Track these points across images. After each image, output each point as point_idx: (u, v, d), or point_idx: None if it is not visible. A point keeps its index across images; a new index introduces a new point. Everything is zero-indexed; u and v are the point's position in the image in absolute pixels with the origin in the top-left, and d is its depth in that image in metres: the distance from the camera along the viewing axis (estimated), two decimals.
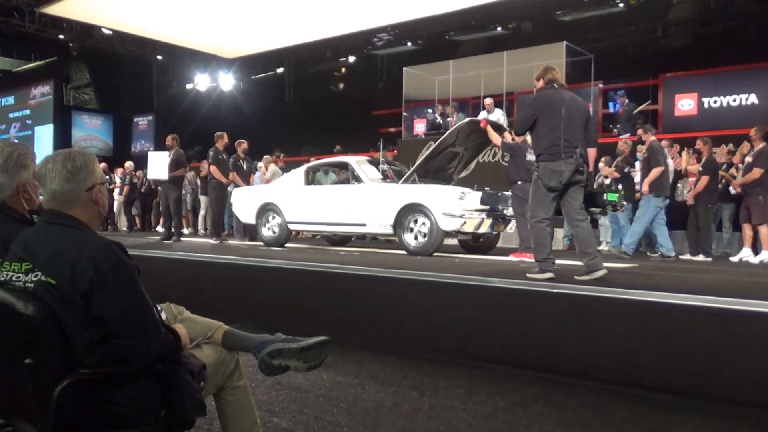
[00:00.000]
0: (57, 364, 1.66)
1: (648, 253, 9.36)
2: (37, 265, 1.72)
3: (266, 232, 9.21)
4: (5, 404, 1.86)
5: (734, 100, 12.70)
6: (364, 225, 8.18)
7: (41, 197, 2.03)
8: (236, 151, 10.48)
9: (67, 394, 1.64)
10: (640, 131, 8.88)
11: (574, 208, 4.95)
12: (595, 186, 8.81)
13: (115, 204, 15.29)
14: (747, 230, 8.29)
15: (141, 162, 14.57)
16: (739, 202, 8.78)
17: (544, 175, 4.88)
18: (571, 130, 4.85)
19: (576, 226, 5.02)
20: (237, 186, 10.20)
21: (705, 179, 8.41)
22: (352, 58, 18.60)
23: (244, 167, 10.60)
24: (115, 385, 1.75)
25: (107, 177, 14.79)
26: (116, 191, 14.97)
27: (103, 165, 13.48)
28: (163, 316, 2.15)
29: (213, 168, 9.81)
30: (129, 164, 14.96)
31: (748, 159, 8.23)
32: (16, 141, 10.86)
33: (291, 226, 9.01)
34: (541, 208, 4.97)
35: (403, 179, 8.20)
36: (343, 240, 10.13)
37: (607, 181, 9.47)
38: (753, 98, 12.48)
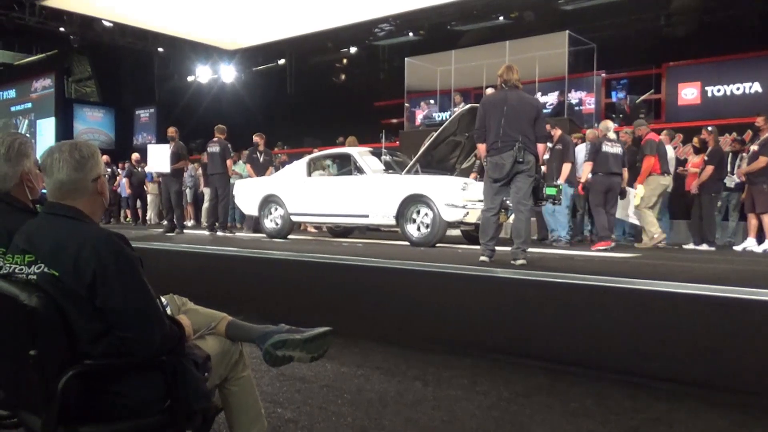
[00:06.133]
0: (61, 356, 1.65)
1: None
2: (40, 257, 1.72)
3: (269, 223, 9.22)
4: (10, 396, 1.87)
5: (738, 89, 12.64)
6: (367, 216, 8.17)
7: (43, 190, 2.02)
8: (252, 143, 10.62)
9: (72, 385, 1.63)
10: (547, 126, 9.28)
11: (518, 196, 5.38)
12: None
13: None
14: (752, 219, 8.25)
15: (142, 154, 14.50)
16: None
17: (489, 169, 5.46)
18: (513, 125, 5.31)
19: (518, 211, 5.45)
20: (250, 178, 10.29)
21: (710, 169, 8.38)
22: (353, 49, 18.53)
23: (260, 159, 10.64)
24: (120, 377, 1.75)
25: (108, 170, 14.76)
26: (125, 183, 14.90)
27: (105, 158, 13.49)
28: (168, 308, 2.14)
29: (229, 162, 9.96)
30: (135, 156, 14.84)
31: (754, 147, 8.16)
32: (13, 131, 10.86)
33: (293, 218, 9.01)
34: (488, 199, 5.54)
35: (405, 170, 8.18)
36: (346, 231, 10.13)
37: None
38: (756, 87, 12.41)
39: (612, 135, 8.06)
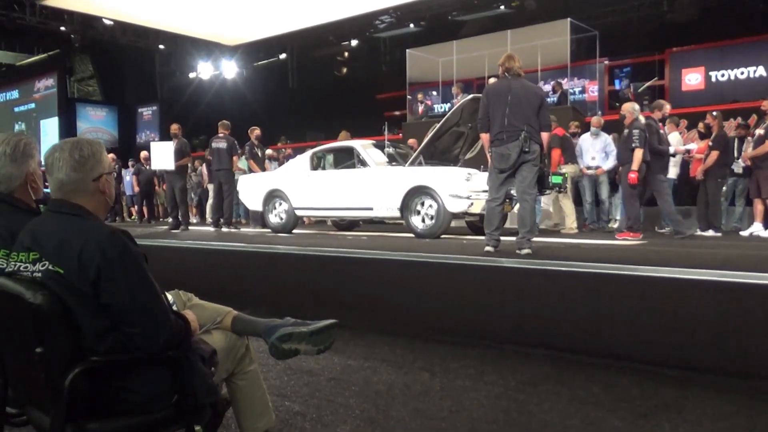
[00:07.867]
0: (68, 353, 1.66)
1: (656, 228, 9.32)
2: (45, 255, 1.72)
3: (273, 218, 9.22)
4: (18, 393, 1.88)
5: (742, 73, 12.58)
6: (371, 209, 8.17)
7: (46, 189, 2.02)
8: (249, 138, 10.58)
9: (79, 381, 1.64)
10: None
11: (523, 185, 5.36)
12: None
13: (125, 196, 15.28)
14: (758, 204, 8.21)
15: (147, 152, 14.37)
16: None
17: (494, 159, 5.40)
18: (517, 114, 5.26)
19: (523, 200, 5.41)
20: (252, 173, 10.30)
21: (714, 154, 8.32)
22: (354, 42, 18.49)
23: (259, 154, 10.67)
24: (127, 372, 1.75)
25: (116, 167, 14.74)
26: (132, 180, 14.86)
27: (111, 155, 13.45)
28: (174, 305, 2.15)
29: (235, 158, 9.95)
30: (143, 154, 14.75)
31: (759, 131, 8.10)
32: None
33: (298, 212, 9.02)
34: (493, 189, 5.49)
35: (409, 162, 8.16)
36: (351, 225, 10.13)
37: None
38: (761, 70, 12.35)
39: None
